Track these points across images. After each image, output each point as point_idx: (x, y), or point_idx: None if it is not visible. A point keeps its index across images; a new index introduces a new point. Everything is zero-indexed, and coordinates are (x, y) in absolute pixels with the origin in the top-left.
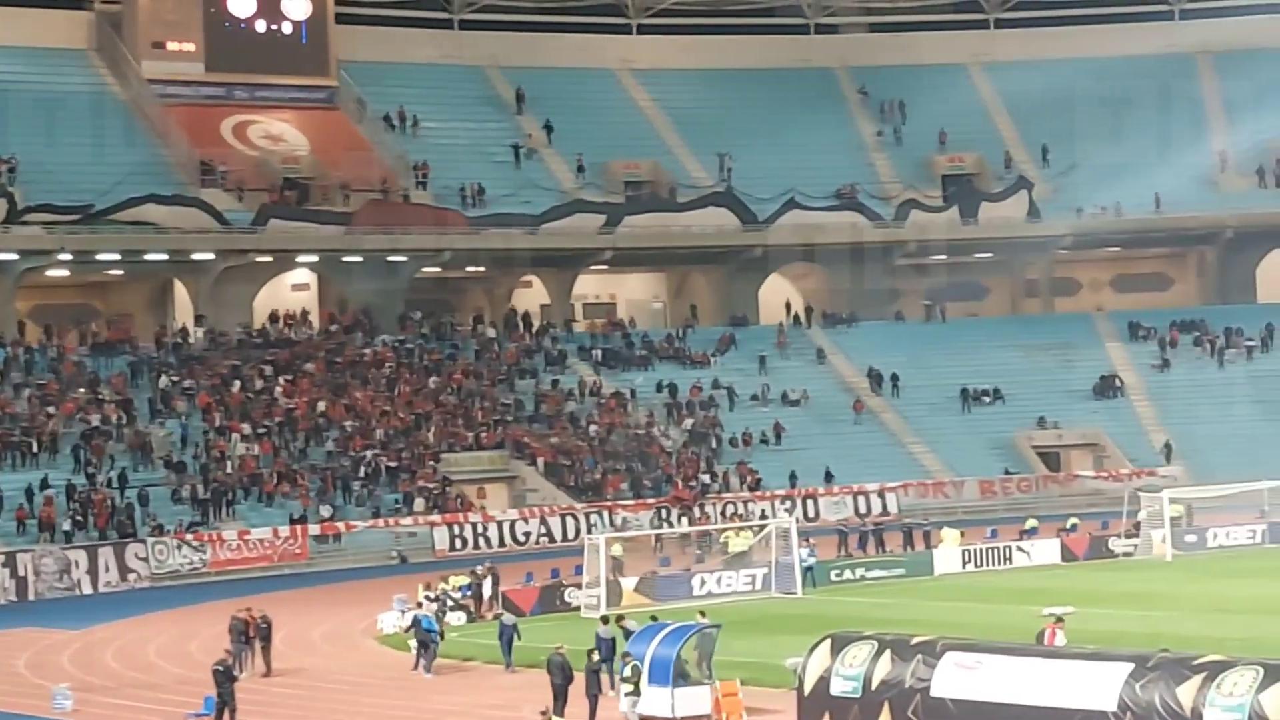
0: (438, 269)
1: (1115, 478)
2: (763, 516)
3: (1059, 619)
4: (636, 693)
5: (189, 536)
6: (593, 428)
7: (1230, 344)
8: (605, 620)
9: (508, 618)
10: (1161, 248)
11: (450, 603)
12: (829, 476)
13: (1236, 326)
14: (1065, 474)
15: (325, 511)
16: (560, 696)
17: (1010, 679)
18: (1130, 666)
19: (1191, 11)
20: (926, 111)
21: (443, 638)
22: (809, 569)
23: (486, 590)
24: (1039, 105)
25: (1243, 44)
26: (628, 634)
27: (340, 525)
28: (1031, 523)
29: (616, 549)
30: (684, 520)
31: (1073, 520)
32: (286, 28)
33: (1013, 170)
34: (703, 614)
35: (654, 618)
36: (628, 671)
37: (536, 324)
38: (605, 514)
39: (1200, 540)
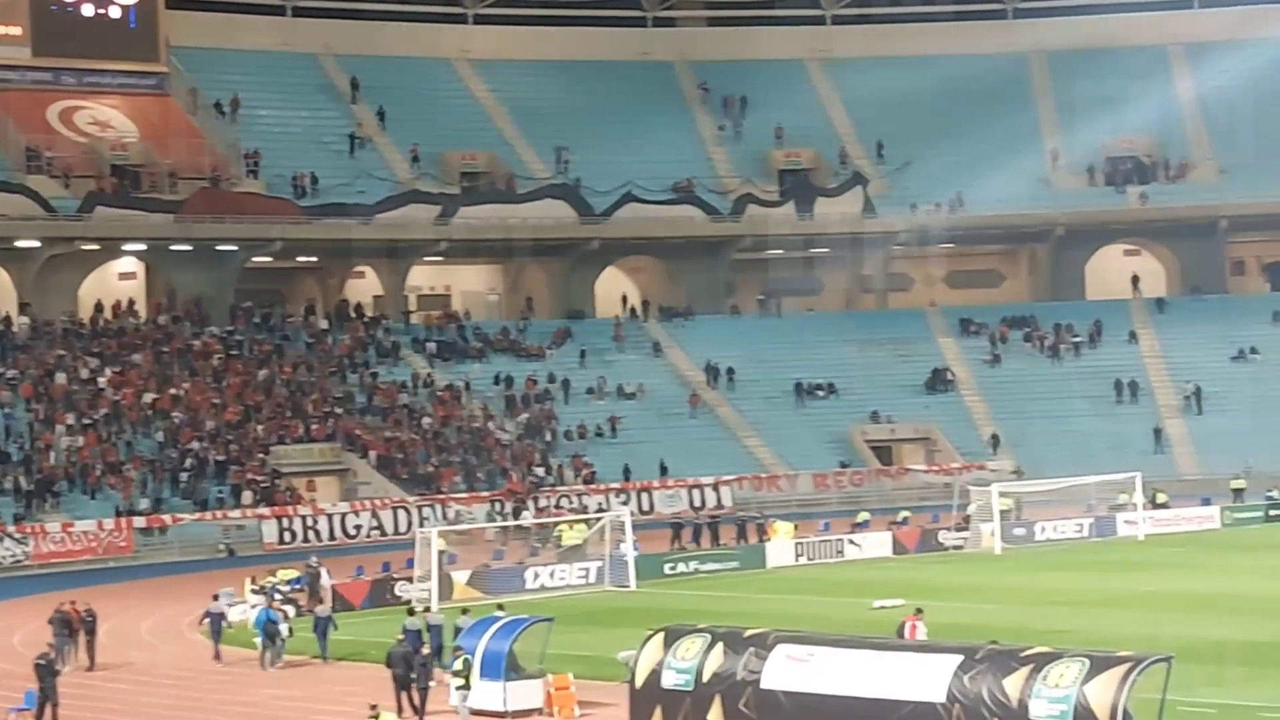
0: (269, 259)
1: (946, 471)
2: (599, 510)
3: (918, 610)
4: (467, 686)
5: (11, 529)
6: (426, 420)
7: (1060, 340)
8: (411, 612)
9: (322, 609)
10: (994, 245)
11: (279, 596)
12: (663, 470)
13: (1066, 323)
14: (898, 467)
15: (144, 504)
16: (404, 687)
17: (841, 671)
18: (959, 658)
19: (1025, 11)
20: (764, 107)
21: (291, 633)
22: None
23: (326, 581)
24: (876, 102)
25: (1076, 44)
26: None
27: (166, 518)
28: (864, 516)
29: (441, 543)
30: (518, 514)
31: (904, 513)
32: (115, 12)
33: (849, 166)
34: (501, 608)
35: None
36: (458, 665)
37: (369, 315)
38: (438, 507)
39: (1029, 534)
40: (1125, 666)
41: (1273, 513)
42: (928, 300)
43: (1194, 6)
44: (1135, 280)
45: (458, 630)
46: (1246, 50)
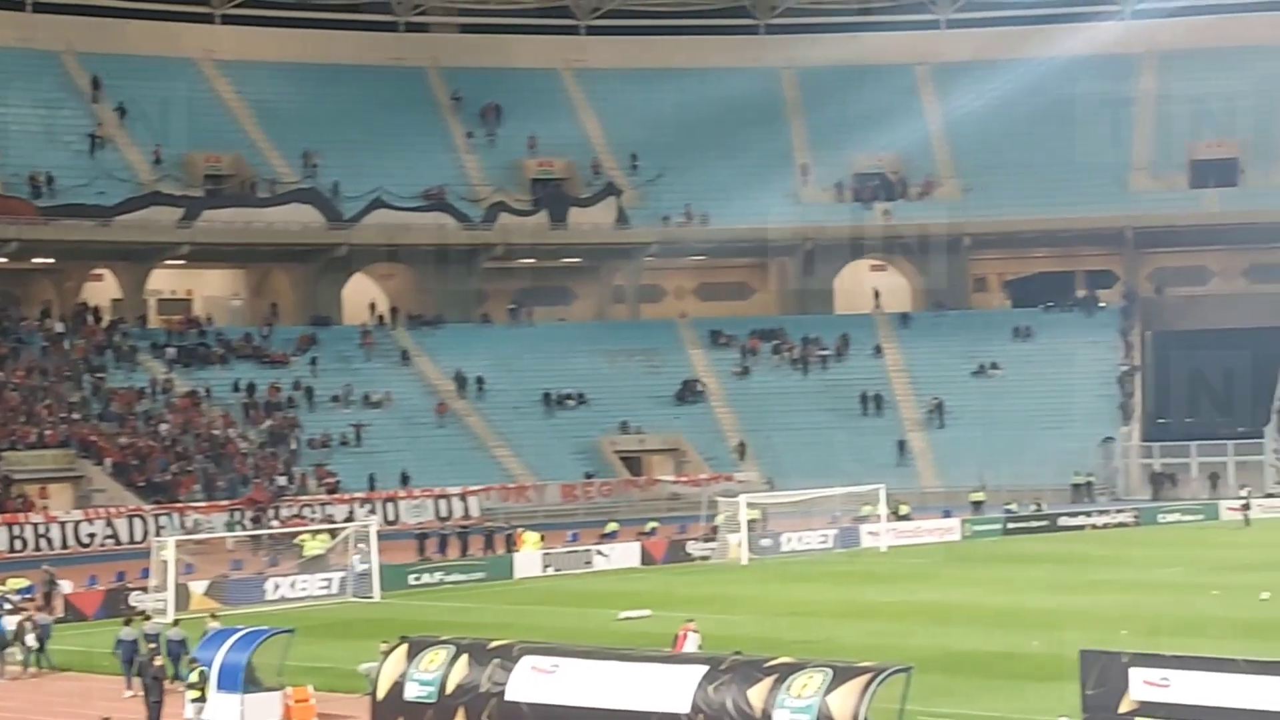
0: (3, 260)
1: (695, 482)
2: (348, 519)
3: (689, 620)
4: (203, 699)
5: None
6: (164, 427)
7: (807, 353)
8: (128, 621)
9: (43, 618)
10: (744, 258)
11: (7, 606)
12: (405, 479)
13: (814, 336)
14: (646, 478)
15: None
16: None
17: (587, 682)
18: (704, 669)
19: (777, 27)
20: (518, 116)
21: (40, 644)
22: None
23: (68, 588)
24: (630, 113)
25: (826, 61)
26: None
27: None
28: (612, 526)
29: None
30: (258, 523)
31: (652, 524)
32: None
33: (602, 177)
34: (214, 616)
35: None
36: (194, 677)
37: (107, 319)
38: (176, 516)
39: (775, 544)
40: (866, 677)
41: (1011, 525)
42: (678, 312)
43: (941, 28)
44: (877, 295)
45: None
46: (991, 72)
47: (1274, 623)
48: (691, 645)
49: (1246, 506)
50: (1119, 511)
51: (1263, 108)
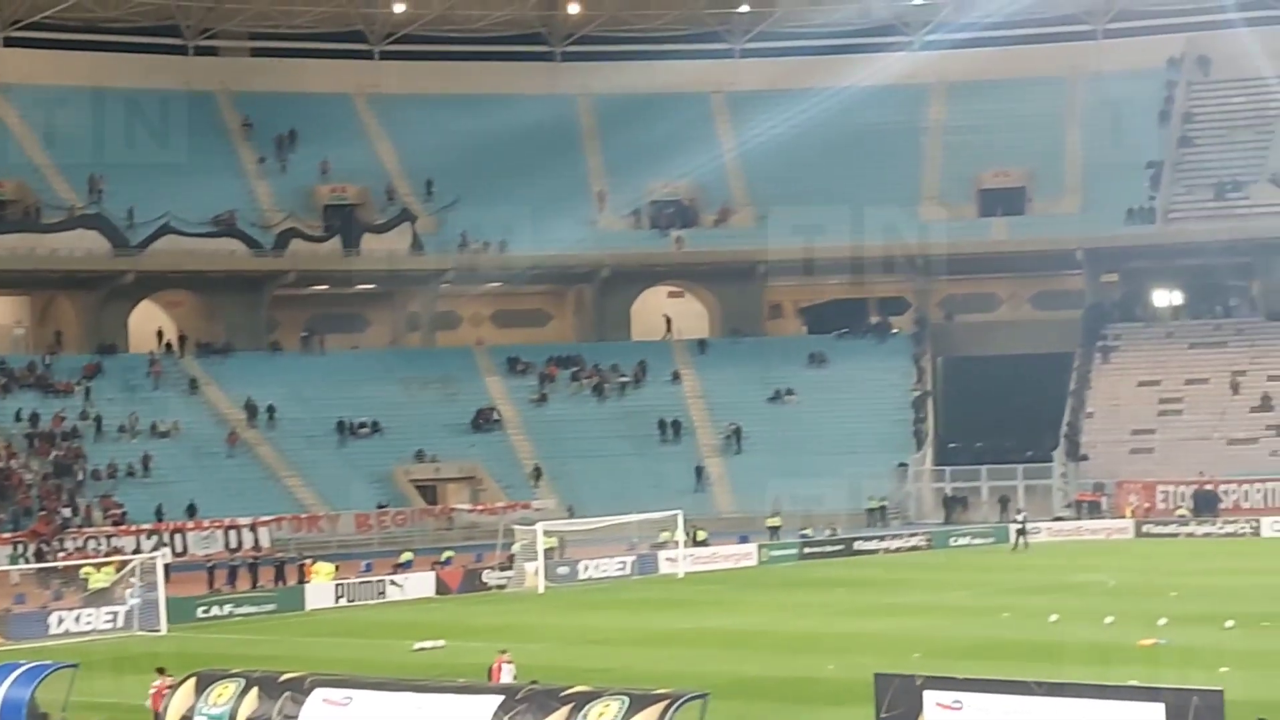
0: None
1: (491, 511)
2: (136, 551)
3: (503, 651)
4: None
5: None
6: None
7: (605, 380)
8: None
9: None
10: (541, 285)
11: None
12: (192, 510)
13: (612, 363)
14: (442, 507)
15: None
16: None
17: (380, 714)
18: (500, 699)
19: (573, 55)
20: (311, 141)
21: None
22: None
23: None
24: (425, 139)
25: (622, 89)
26: None
27: None
28: (407, 556)
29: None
30: (42, 556)
31: (448, 553)
32: None
33: (396, 203)
34: None
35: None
36: None
37: None
38: None
39: (572, 572)
40: (663, 704)
41: (807, 550)
42: (474, 339)
43: (735, 57)
44: (669, 322)
45: None
46: (785, 101)
47: (1064, 644)
48: (507, 676)
49: (1022, 531)
50: (912, 535)
51: (1047, 137)
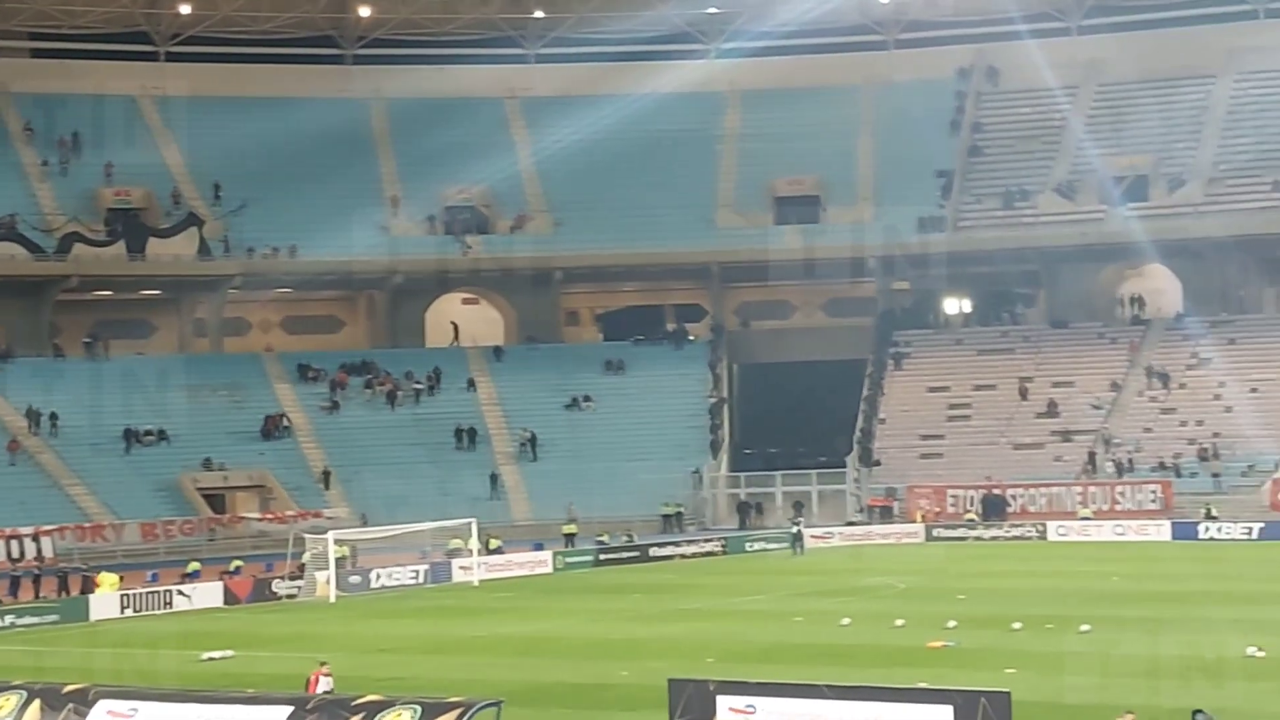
0: None
1: (281, 519)
2: None
3: (322, 663)
4: None
5: None
6: None
7: (398, 387)
8: None
9: None
10: (333, 291)
11: None
12: None
13: (405, 370)
14: (230, 515)
15: None
16: None
17: None
18: (290, 709)
19: (365, 58)
20: (94, 143)
21: None
22: None
23: None
24: (212, 142)
25: (416, 93)
26: None
27: None
28: (194, 565)
29: None
30: None
31: (236, 562)
32: None
33: (183, 207)
34: None
35: None
36: None
37: None
38: None
39: (364, 581)
40: (455, 712)
41: (603, 557)
42: (264, 345)
43: (530, 62)
44: (456, 329)
45: None
46: (581, 107)
47: (855, 648)
48: (324, 687)
49: (799, 537)
50: (707, 541)
51: (840, 146)
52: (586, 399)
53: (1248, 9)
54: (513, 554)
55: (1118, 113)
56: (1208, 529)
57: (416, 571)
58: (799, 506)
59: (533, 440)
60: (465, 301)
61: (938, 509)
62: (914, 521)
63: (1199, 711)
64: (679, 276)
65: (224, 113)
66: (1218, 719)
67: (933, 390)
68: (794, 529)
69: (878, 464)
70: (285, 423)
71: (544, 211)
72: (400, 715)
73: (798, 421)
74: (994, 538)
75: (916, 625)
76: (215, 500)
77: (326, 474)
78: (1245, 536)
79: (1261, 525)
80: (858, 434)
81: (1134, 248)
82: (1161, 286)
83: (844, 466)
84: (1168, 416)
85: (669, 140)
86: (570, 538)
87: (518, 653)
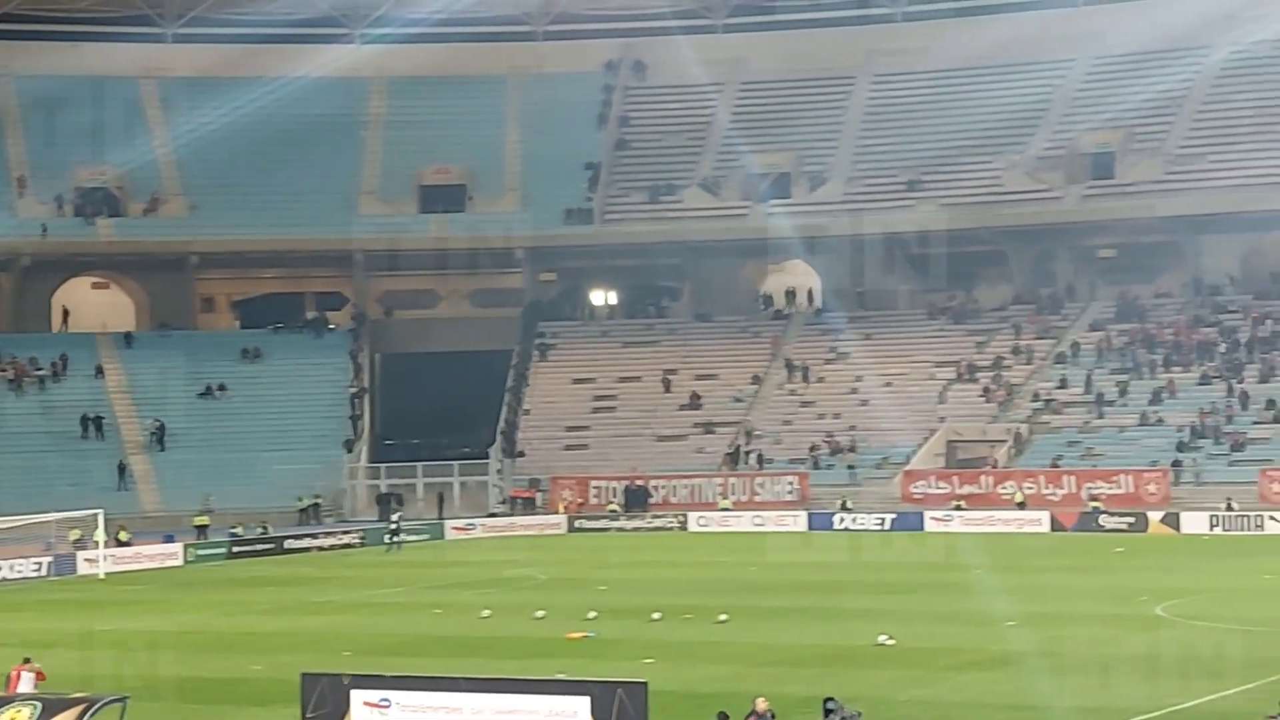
0: None
1: None
2: None
3: (27, 660)
4: None
5: None
6: None
7: (24, 373)
8: None
9: None
10: None
11: None
12: None
13: (30, 355)
14: None
15: None
16: None
17: None
18: None
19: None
20: None
21: None
22: None
23: None
24: None
25: (46, 70)
26: None
27: None
28: None
29: None
30: None
31: None
32: None
33: None
34: None
35: None
36: None
37: None
38: None
39: None
40: (79, 708)
41: (236, 549)
42: None
43: (168, 42)
44: (65, 314)
45: None
46: (222, 89)
47: (494, 639)
48: (26, 686)
49: (396, 532)
50: (345, 533)
51: (488, 136)
52: (222, 387)
53: (886, 12)
54: (142, 546)
55: (761, 111)
56: (843, 520)
57: (40, 564)
58: (441, 499)
59: (161, 430)
60: (95, 286)
61: (581, 500)
62: (557, 513)
63: (830, 699)
64: (321, 264)
65: None
66: (848, 706)
67: (578, 382)
68: (391, 525)
69: (521, 455)
70: None
71: (180, 195)
72: (19, 713)
73: (441, 412)
74: (636, 529)
75: (557, 616)
76: None
77: None
78: (878, 527)
79: (894, 516)
80: (502, 425)
81: (776, 243)
82: (802, 282)
83: (487, 458)
84: (806, 409)
85: (313, 126)
86: (203, 529)
87: (146, 647)
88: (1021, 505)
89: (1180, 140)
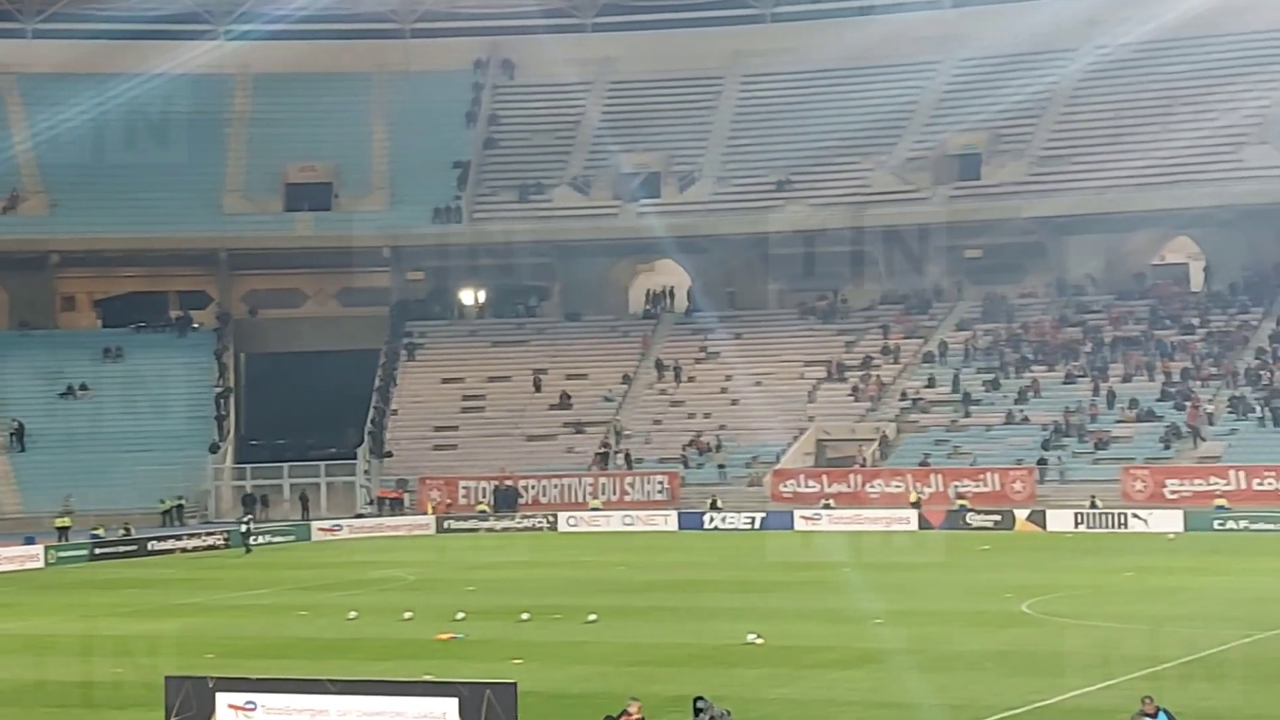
0: None
1: None
2: None
3: None
4: None
5: None
6: None
7: None
8: None
9: None
10: None
11: None
12: None
13: None
14: None
15: None
16: None
17: None
18: None
19: None
20: None
21: None
22: None
23: None
24: None
25: None
26: None
27: None
28: None
29: None
30: None
31: None
32: None
33: None
34: None
35: None
36: None
37: None
38: None
39: None
40: None
41: (98, 551)
42: None
43: (28, 37)
44: None
45: None
46: (83, 85)
47: (361, 641)
48: None
49: (248, 534)
50: (210, 534)
51: (354, 134)
52: (83, 387)
53: (754, 13)
54: (1, 548)
55: (631, 110)
56: (713, 519)
57: None
58: (305, 500)
59: (21, 430)
60: None
61: (449, 500)
62: (425, 513)
63: (700, 698)
64: (184, 262)
65: None
66: (718, 705)
67: (446, 381)
68: (242, 527)
69: (389, 455)
70: None
71: (40, 192)
72: None
73: (308, 412)
74: (505, 529)
75: (425, 617)
76: None
77: None
78: (748, 526)
79: (763, 515)
80: (369, 425)
81: (646, 243)
82: (673, 281)
83: (355, 458)
84: (676, 409)
85: (176, 123)
86: (64, 531)
87: (4, 651)
88: (916, 505)
89: (1045, 142)
